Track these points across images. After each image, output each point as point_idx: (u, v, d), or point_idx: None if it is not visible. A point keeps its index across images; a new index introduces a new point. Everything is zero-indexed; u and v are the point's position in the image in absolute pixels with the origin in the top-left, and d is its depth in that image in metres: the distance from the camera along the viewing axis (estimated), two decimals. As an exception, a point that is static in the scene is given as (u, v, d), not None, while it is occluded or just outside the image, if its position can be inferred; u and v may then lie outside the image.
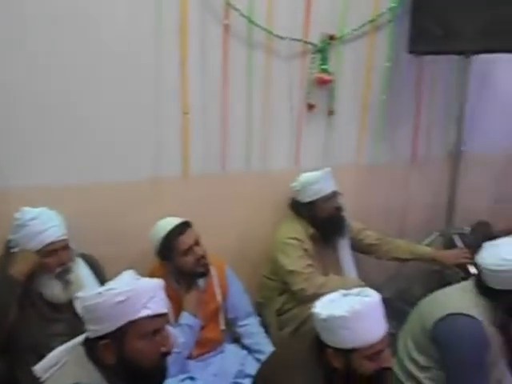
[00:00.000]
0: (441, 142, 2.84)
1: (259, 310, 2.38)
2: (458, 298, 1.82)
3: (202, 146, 2.41)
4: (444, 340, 1.75)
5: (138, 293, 1.24)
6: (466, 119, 2.69)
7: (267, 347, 2.08)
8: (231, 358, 2.06)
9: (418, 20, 2.48)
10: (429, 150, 2.90)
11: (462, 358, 1.72)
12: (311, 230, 2.36)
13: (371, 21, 2.60)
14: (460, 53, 2.56)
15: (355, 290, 1.49)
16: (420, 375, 1.83)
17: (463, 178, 2.76)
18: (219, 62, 2.35)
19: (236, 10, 2.31)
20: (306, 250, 2.31)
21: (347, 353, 1.41)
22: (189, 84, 2.30)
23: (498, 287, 1.73)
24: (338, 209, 2.40)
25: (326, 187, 2.36)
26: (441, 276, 2.62)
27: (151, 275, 1.89)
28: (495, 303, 1.75)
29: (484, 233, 2.68)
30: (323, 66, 2.54)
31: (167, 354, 1.29)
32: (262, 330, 2.20)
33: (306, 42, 2.49)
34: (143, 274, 1.37)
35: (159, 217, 2.08)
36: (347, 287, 1.55)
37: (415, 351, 1.85)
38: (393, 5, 2.60)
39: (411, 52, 2.55)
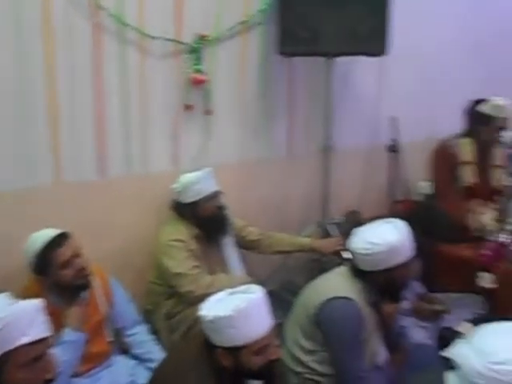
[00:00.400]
0: (313, 138, 2.97)
1: (147, 317, 2.33)
2: (336, 283, 1.94)
3: (76, 150, 2.30)
4: (325, 322, 1.86)
5: (15, 319, 1.13)
6: (333, 117, 2.86)
7: (158, 355, 2.03)
8: (120, 370, 1.99)
9: (286, 22, 2.57)
10: (303, 146, 3.03)
11: (341, 338, 1.85)
12: (195, 231, 2.36)
13: (242, 22, 2.65)
14: (324, 54, 2.70)
15: (241, 288, 1.52)
16: (307, 359, 1.92)
17: (334, 172, 2.93)
18: (89, 61, 2.26)
19: (103, 9, 2.22)
20: (191, 250, 2.30)
21: (235, 351, 1.44)
22: (56, 84, 2.17)
23: (368, 269, 1.87)
24: (221, 208, 2.43)
25: (208, 187, 2.38)
26: (320, 264, 2.77)
27: (25, 293, 1.76)
28: (367, 284, 1.90)
29: (355, 221, 2.88)
30: (197, 66, 2.53)
31: (51, 380, 1.20)
32: (151, 337, 2.15)
33: (179, 42, 2.48)
34: (16, 293, 1.27)
35: (32, 229, 1.93)
36: (234, 285, 1.58)
37: (302, 337, 1.94)
38: (263, 7, 2.68)
39: (281, 53, 2.64)
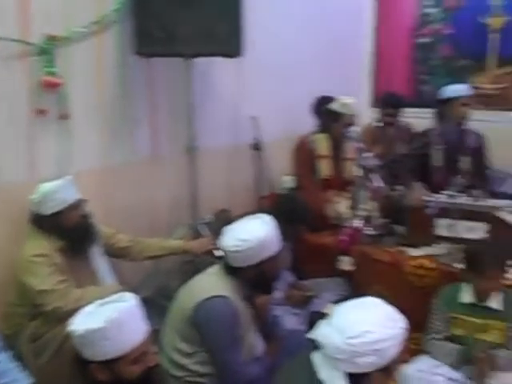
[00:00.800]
0: (177, 139, 2.96)
1: (8, 342, 2.13)
2: (209, 283, 1.98)
3: None
4: (202, 323, 1.89)
5: None
6: (196, 117, 2.88)
7: (25, 382, 1.86)
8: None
9: (141, 22, 2.53)
10: (167, 147, 3.00)
11: (219, 336, 1.89)
12: (59, 243, 2.22)
13: (96, 22, 2.55)
14: (181, 55, 2.69)
15: (113, 297, 1.47)
16: (187, 362, 1.93)
17: (201, 172, 2.95)
18: None
19: None
20: (55, 264, 2.17)
21: (111, 363, 1.39)
22: None
23: (239, 265, 1.94)
24: (85, 216, 2.32)
25: (70, 196, 2.25)
26: (193, 265, 2.78)
27: None
28: (240, 280, 1.97)
29: (224, 219, 2.94)
30: (49, 69, 2.38)
31: None
32: (15, 364, 1.97)
33: (25, 43, 2.30)
34: None
35: None
36: (106, 295, 1.52)
37: (180, 341, 1.94)
38: (117, 6, 2.60)
39: (138, 54, 2.60)
